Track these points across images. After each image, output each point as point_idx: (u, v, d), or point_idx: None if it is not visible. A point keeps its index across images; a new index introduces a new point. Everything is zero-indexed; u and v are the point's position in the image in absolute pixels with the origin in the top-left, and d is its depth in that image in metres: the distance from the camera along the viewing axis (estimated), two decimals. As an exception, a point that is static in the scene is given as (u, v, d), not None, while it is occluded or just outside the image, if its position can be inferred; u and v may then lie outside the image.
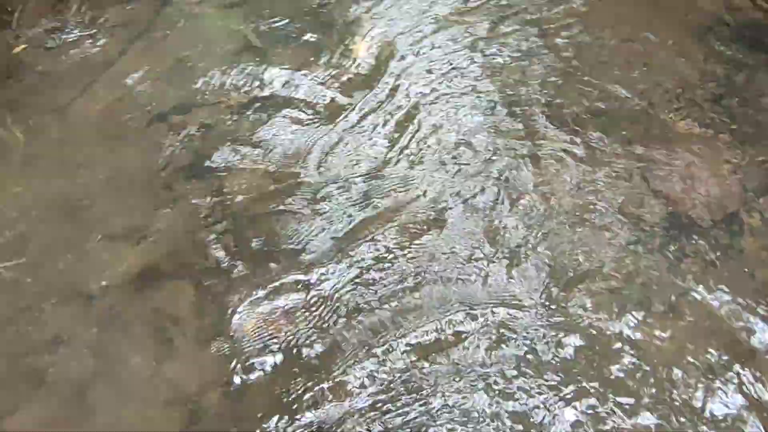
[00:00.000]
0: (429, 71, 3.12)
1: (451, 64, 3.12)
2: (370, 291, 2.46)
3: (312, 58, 3.26)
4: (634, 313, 2.31)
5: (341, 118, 3.00)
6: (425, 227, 2.61)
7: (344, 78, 3.16)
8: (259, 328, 2.46)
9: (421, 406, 2.17)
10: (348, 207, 2.72)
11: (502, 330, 2.29)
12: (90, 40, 3.48)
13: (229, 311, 2.50)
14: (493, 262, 2.47)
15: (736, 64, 2.87)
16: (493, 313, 2.34)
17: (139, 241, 2.71)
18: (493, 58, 3.10)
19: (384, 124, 2.96)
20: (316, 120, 3.01)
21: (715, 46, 2.93)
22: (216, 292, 2.54)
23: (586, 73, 2.92)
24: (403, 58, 3.20)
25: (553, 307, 2.33)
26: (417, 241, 2.57)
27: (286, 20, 3.45)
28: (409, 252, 2.54)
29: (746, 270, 2.35)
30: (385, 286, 2.47)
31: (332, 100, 3.08)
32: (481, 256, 2.49)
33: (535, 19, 3.21)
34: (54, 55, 3.41)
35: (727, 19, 3.00)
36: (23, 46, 3.47)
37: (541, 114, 2.84)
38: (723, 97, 2.77)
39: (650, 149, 2.67)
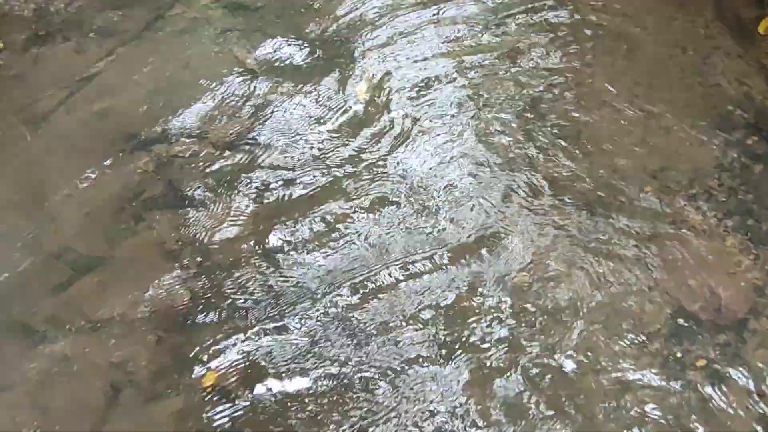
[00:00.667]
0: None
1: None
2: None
3: (308, 90, 3.06)
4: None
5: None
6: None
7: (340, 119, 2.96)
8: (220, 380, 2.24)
9: None
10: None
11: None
12: (75, 48, 3.24)
13: (190, 362, 2.27)
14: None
15: (752, 155, 2.75)
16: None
17: (98, 271, 2.47)
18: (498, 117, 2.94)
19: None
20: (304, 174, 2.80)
21: (732, 135, 2.81)
22: (175, 342, 2.31)
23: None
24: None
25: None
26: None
27: (285, 47, 3.25)
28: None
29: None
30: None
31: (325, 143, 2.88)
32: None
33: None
34: (33, 59, 3.17)
35: (745, 107, 2.89)
36: (0, 45, 3.22)
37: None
38: (738, 190, 2.63)
39: (659, 237, 2.53)
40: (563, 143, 2.79)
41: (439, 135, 2.86)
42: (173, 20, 3.37)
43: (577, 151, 2.77)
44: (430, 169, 2.75)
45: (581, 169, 2.72)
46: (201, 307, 2.40)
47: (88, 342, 2.30)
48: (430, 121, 2.91)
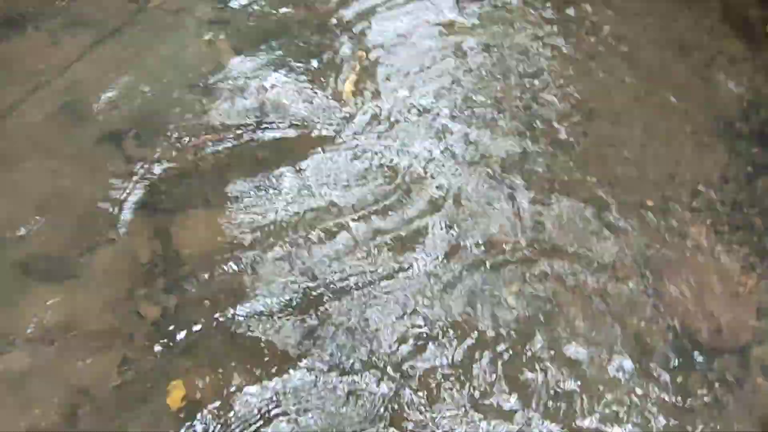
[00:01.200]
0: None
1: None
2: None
3: (296, 91, 2.91)
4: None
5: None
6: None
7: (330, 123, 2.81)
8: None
9: None
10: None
11: None
12: (48, 36, 3.07)
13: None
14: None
15: (757, 167, 2.60)
16: None
17: (67, 285, 2.31)
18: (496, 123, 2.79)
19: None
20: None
21: (736, 145, 2.67)
22: (142, 368, 2.15)
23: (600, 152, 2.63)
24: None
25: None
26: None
27: (272, 47, 3.09)
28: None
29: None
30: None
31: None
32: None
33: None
34: (3, 47, 3.00)
35: (751, 114, 2.74)
36: (-33, 30, 3.05)
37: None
38: (743, 204, 2.49)
39: (661, 250, 2.38)
40: (560, 151, 2.65)
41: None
42: (156, 13, 3.20)
43: (573, 160, 2.63)
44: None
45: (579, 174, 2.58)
46: (171, 324, 2.25)
47: (47, 357, 2.15)
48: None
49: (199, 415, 2.04)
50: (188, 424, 2.03)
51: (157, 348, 2.19)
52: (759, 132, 2.71)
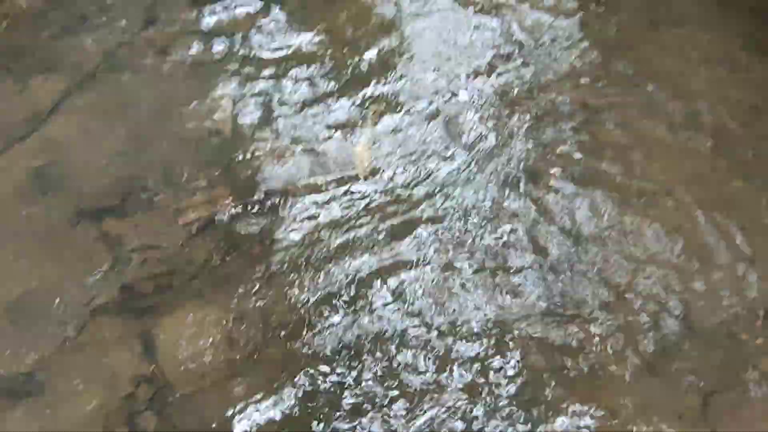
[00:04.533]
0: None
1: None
2: None
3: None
4: None
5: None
6: None
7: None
8: None
9: None
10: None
11: None
12: (13, 85, 2.68)
13: None
14: None
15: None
16: None
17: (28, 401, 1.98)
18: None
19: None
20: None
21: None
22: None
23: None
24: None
25: None
26: None
27: (275, 93, 2.70)
28: None
29: None
30: None
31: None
32: None
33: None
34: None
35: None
36: None
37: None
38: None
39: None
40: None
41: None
42: (134, 53, 2.80)
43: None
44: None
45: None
46: None
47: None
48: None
49: None
50: None
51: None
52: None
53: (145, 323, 2.13)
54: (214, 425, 1.94)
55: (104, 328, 2.12)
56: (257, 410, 1.96)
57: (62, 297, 2.16)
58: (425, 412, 1.94)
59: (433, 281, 2.19)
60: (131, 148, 2.52)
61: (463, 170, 2.45)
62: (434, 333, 2.08)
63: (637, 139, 2.50)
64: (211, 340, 2.09)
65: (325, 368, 2.02)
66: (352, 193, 2.41)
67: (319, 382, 2.00)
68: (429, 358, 2.03)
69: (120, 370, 2.03)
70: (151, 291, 2.19)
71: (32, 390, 2.01)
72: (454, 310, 2.13)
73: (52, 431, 1.91)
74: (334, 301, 2.15)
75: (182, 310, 2.15)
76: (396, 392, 1.97)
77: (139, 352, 2.07)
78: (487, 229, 2.30)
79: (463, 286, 2.17)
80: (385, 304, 2.14)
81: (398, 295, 2.16)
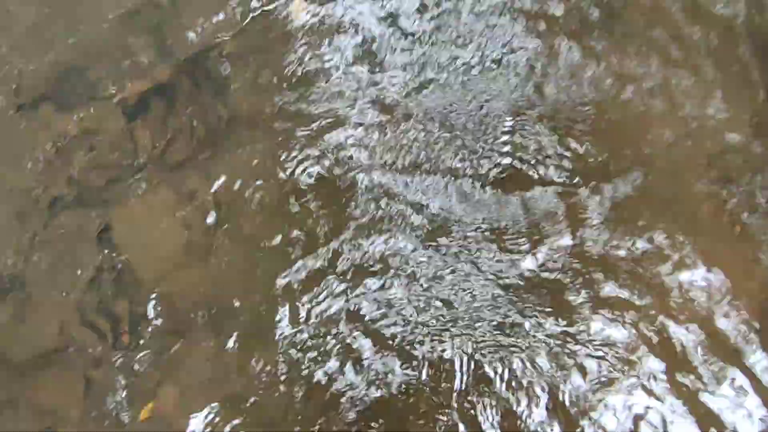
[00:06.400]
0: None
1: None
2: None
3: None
4: None
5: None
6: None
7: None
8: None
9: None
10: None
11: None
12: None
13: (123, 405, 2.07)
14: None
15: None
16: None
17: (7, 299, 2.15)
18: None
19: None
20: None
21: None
22: (107, 382, 2.07)
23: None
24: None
25: None
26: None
27: None
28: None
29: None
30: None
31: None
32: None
33: None
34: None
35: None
36: None
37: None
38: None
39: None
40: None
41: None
42: None
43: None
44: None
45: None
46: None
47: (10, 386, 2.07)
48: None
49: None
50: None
51: (117, 361, 2.09)
52: None
53: (102, 215, 2.21)
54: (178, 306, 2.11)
55: (66, 223, 2.21)
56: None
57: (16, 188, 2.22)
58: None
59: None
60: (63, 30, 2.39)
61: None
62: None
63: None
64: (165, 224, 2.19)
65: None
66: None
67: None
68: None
69: (85, 260, 2.15)
70: (104, 184, 2.23)
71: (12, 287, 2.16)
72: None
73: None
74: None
75: (135, 199, 2.22)
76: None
77: (98, 243, 2.18)
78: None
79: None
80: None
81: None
